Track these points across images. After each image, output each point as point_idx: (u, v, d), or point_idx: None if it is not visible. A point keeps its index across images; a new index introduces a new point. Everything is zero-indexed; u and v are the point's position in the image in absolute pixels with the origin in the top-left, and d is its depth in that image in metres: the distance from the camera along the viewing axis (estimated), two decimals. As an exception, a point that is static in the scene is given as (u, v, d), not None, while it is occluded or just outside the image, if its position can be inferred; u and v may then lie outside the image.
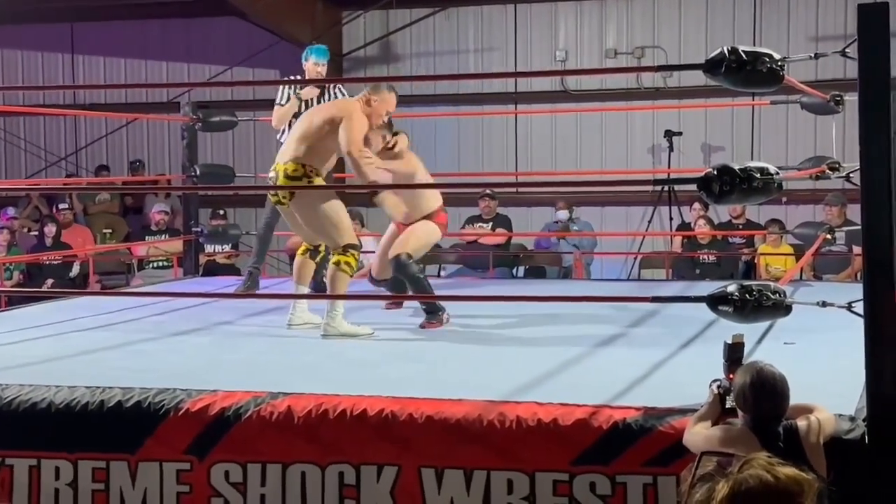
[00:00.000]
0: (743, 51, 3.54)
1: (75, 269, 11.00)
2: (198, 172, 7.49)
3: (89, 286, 10.54)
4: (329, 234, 5.51)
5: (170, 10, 13.52)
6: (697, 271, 10.38)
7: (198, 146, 7.80)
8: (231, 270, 10.47)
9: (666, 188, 11.82)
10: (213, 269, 10.00)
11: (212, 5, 12.86)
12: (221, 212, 11.55)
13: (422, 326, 5.61)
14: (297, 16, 12.88)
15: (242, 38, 13.52)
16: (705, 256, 10.47)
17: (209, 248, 10.26)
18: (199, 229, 7.93)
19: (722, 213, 11.15)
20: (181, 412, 3.81)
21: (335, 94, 6.88)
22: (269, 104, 14.57)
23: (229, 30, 13.54)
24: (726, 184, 3.53)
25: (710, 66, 3.58)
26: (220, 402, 3.81)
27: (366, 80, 15.36)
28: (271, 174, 5.64)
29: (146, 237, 11.29)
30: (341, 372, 4.53)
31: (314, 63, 6.85)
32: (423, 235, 5.93)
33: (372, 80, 14.58)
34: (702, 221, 10.53)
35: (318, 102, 6.65)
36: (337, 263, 5.45)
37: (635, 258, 11.59)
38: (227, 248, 10.74)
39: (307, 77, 6.91)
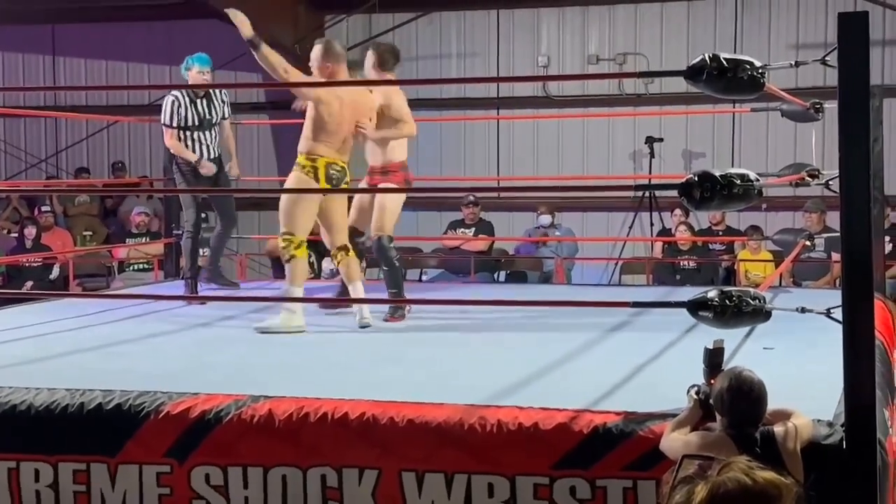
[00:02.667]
0: (724, 58, 3.56)
1: (55, 272, 10.96)
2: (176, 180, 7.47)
3: (69, 288, 10.50)
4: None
5: (151, 13, 13.49)
6: (678, 277, 10.43)
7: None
8: (212, 273, 10.42)
9: (647, 194, 11.87)
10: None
11: (194, 8, 12.83)
12: (203, 215, 11.51)
13: (385, 320, 5.87)
14: (280, 20, 12.87)
15: (224, 41, 13.41)
16: (686, 262, 10.52)
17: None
18: (179, 232, 7.91)
19: (702, 219, 11.20)
20: (161, 415, 3.80)
21: (222, 98, 7.19)
22: (251, 107, 14.66)
23: (211, 33, 13.49)
24: (707, 190, 3.55)
25: (692, 73, 3.60)
26: (201, 405, 3.81)
27: (348, 84, 15.37)
28: (337, 171, 6.00)
29: (126, 239, 11.26)
30: (323, 375, 4.53)
31: (199, 71, 6.98)
32: (395, 208, 6.32)
33: (352, 83, 14.57)
34: (682, 227, 10.58)
35: (207, 108, 7.02)
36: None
37: (616, 264, 11.63)
38: (207, 250, 10.70)
39: (192, 81, 6.99)
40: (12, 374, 4.34)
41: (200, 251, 7.31)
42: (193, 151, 6.99)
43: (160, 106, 7.13)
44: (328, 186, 5.85)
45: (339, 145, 5.97)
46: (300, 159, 5.94)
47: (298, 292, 5.83)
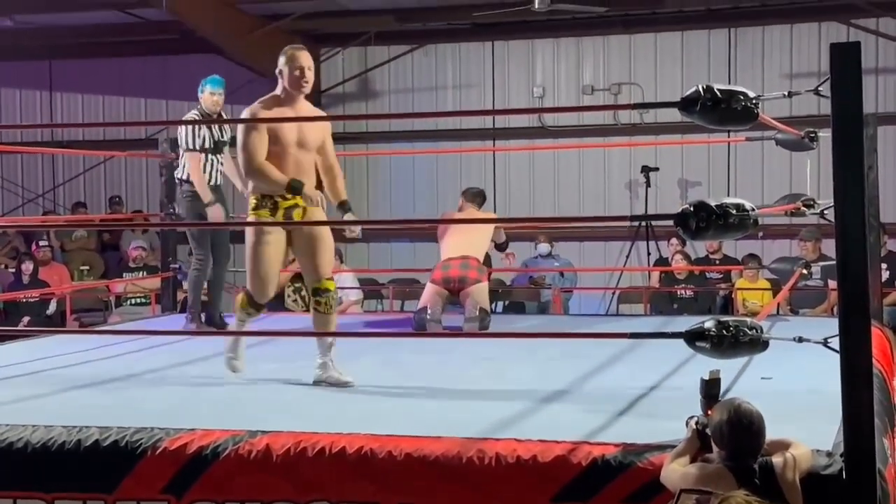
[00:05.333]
0: (718, 89, 3.57)
1: (52, 307, 10.94)
2: (176, 209, 7.47)
3: (67, 323, 10.48)
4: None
5: (147, 48, 13.57)
6: (675, 306, 10.43)
7: (175, 183, 7.76)
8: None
9: (643, 223, 11.89)
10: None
11: (189, 42, 12.91)
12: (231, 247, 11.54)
13: None
14: (275, 52, 12.71)
15: (221, 74, 13.52)
16: (683, 291, 10.52)
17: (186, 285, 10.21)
18: (177, 266, 7.91)
19: (699, 248, 11.22)
20: (158, 451, 3.78)
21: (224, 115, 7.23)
22: (247, 141, 14.54)
23: (207, 67, 13.50)
24: (703, 220, 3.55)
25: (686, 105, 3.61)
26: (198, 441, 3.79)
27: (345, 119, 15.44)
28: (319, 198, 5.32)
29: (124, 274, 11.25)
30: (320, 409, 4.52)
31: (210, 93, 6.92)
32: None
33: (350, 118, 14.68)
34: (679, 256, 10.59)
35: (220, 130, 6.95)
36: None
37: (613, 293, 11.63)
38: (204, 284, 10.68)
39: (204, 107, 6.94)
40: (9, 412, 4.32)
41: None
42: (206, 175, 6.85)
43: (157, 140, 7.09)
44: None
45: None
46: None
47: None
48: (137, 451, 3.80)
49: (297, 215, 5.11)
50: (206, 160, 6.87)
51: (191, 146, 6.84)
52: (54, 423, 4.00)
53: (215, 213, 6.83)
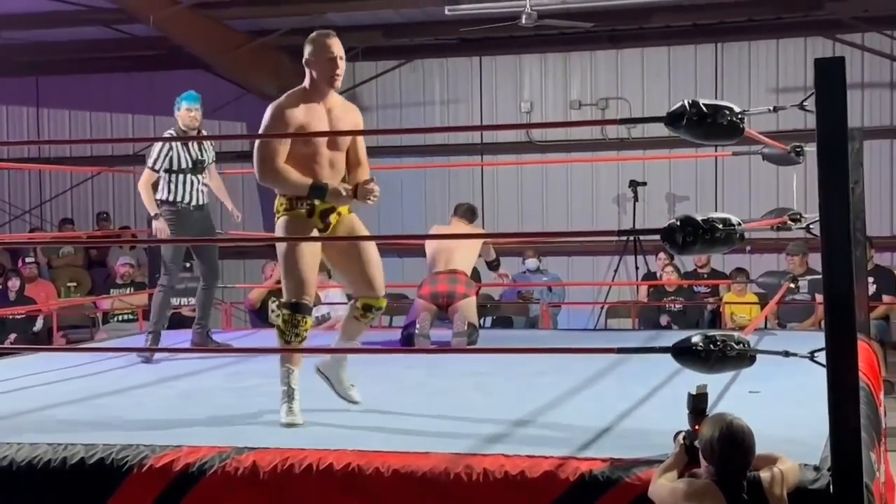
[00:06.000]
0: (704, 104, 3.58)
1: (39, 324, 10.90)
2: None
3: (53, 340, 10.44)
4: None
5: (135, 64, 13.57)
6: (663, 320, 10.43)
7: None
8: (196, 323, 10.39)
9: (631, 238, 11.91)
10: (178, 322, 9.93)
11: (177, 58, 12.91)
12: (188, 264, 11.48)
13: None
14: (263, 68, 12.93)
15: (208, 90, 13.47)
16: (671, 305, 10.53)
17: (175, 301, 10.19)
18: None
19: (687, 262, 11.24)
20: (145, 468, 3.77)
21: (203, 132, 7.04)
22: (235, 156, 14.67)
23: (195, 82, 13.51)
24: (689, 234, 3.55)
25: (672, 119, 3.61)
26: (185, 458, 3.78)
27: (332, 134, 15.42)
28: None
29: (111, 290, 11.21)
30: (307, 425, 4.50)
31: (187, 109, 6.78)
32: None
33: (337, 133, 14.61)
34: (670, 268, 10.60)
35: (199, 149, 6.80)
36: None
37: (602, 308, 11.64)
38: (192, 300, 10.66)
39: (181, 124, 6.78)
40: (-6, 429, 4.30)
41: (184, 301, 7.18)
42: (184, 195, 6.74)
43: (144, 156, 6.99)
44: None
45: None
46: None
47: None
48: (123, 469, 3.79)
49: (333, 219, 4.72)
50: (185, 180, 6.74)
51: (149, 164, 6.75)
52: (39, 440, 3.99)
53: (159, 228, 6.69)
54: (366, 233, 4.92)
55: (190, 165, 6.77)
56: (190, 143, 6.74)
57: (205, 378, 5.89)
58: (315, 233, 4.68)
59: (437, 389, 5.39)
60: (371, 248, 4.77)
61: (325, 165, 4.68)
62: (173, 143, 6.74)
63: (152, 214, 6.77)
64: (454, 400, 5.10)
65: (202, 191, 6.88)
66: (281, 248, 4.67)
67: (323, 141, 4.66)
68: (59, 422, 4.59)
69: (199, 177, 6.83)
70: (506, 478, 3.55)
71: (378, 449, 3.78)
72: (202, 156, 6.85)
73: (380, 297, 4.81)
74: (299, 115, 4.68)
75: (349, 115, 4.84)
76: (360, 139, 4.83)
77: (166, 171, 6.72)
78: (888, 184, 12.34)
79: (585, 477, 3.50)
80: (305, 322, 4.66)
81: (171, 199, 6.77)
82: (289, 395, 4.57)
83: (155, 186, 6.87)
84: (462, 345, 6.88)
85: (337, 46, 4.78)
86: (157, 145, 6.81)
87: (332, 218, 4.72)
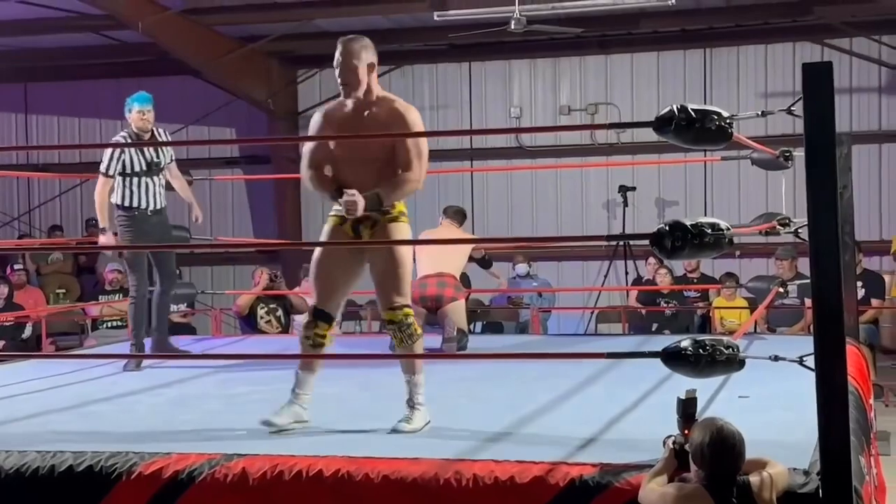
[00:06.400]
0: (692, 109, 3.59)
1: (28, 331, 10.86)
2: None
3: (42, 347, 10.40)
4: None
5: (123, 70, 13.55)
6: (654, 325, 10.45)
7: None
8: (186, 329, 10.38)
9: (621, 243, 11.92)
10: (170, 329, 9.90)
11: (166, 64, 12.89)
12: (177, 271, 11.46)
13: None
14: (252, 74, 12.93)
15: (197, 96, 13.56)
16: (661, 311, 10.55)
17: (164, 308, 10.17)
18: (153, 288, 7.85)
19: (677, 267, 11.26)
20: (134, 475, 3.76)
21: (159, 132, 6.74)
22: (225, 162, 14.64)
23: (184, 88, 13.57)
24: (678, 239, 3.56)
25: (660, 124, 3.62)
26: (174, 465, 3.77)
27: (322, 139, 15.41)
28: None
29: (100, 297, 11.18)
30: (296, 432, 4.49)
31: (139, 111, 6.53)
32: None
33: (327, 138, 14.59)
34: (663, 271, 10.60)
35: (155, 151, 6.54)
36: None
37: (592, 313, 11.65)
38: (182, 307, 10.65)
39: (134, 126, 6.55)
40: (-18, 437, 4.28)
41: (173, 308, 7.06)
42: (140, 199, 6.50)
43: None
44: None
45: None
46: (401, 207, 4.68)
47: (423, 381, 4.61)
48: (112, 476, 3.77)
49: (365, 230, 4.56)
50: (140, 183, 6.50)
51: (102, 169, 6.53)
52: (28, 448, 3.98)
53: (105, 241, 6.57)
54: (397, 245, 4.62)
55: (144, 168, 6.53)
56: (143, 147, 6.52)
57: (194, 385, 5.87)
58: (344, 235, 4.58)
59: (427, 395, 5.36)
60: (381, 261, 4.53)
61: (346, 170, 4.56)
62: (126, 149, 6.48)
63: (99, 227, 6.60)
64: (444, 406, 5.08)
65: (159, 194, 6.65)
66: (314, 253, 4.63)
67: (343, 145, 4.57)
68: (48, 429, 4.57)
69: (156, 179, 6.60)
70: (496, 483, 3.55)
71: (368, 455, 3.77)
72: (157, 158, 6.60)
73: (385, 309, 4.58)
74: (320, 119, 4.70)
75: (382, 117, 4.63)
76: (403, 152, 4.59)
77: (121, 174, 6.49)
78: (876, 188, 12.38)
79: (575, 482, 3.50)
80: (318, 326, 4.55)
81: (125, 203, 6.54)
82: (410, 404, 4.48)
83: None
84: (452, 350, 6.87)
85: (336, 52, 4.66)
86: (106, 151, 6.61)
87: (364, 229, 4.56)
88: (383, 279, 4.53)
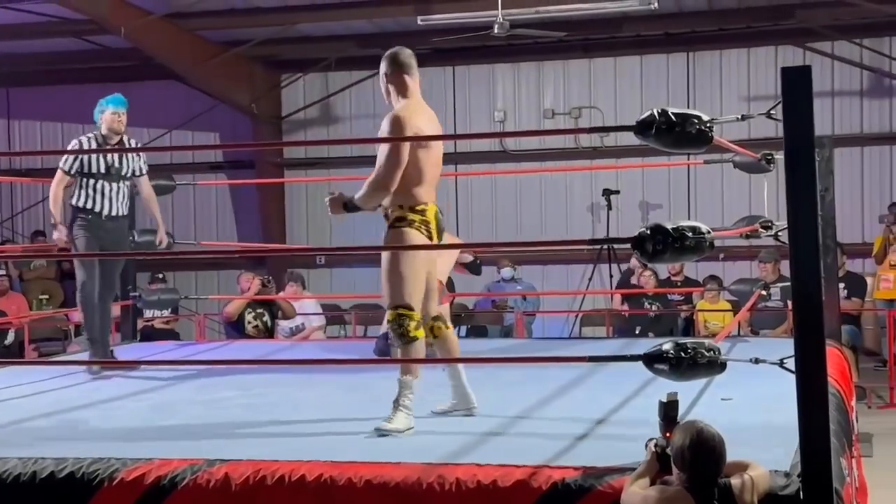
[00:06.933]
0: (673, 113, 3.60)
1: (10, 337, 10.82)
2: (136, 237, 7.37)
3: (25, 353, 10.36)
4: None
5: (107, 75, 13.51)
6: (637, 328, 10.47)
7: (136, 211, 7.70)
8: (169, 335, 10.36)
9: (605, 246, 11.94)
10: (151, 335, 9.90)
11: (150, 69, 12.86)
12: (161, 275, 11.46)
13: None
14: (236, 79, 12.91)
15: (181, 101, 13.53)
16: (645, 313, 10.57)
17: (147, 313, 10.15)
18: (136, 294, 7.84)
19: (661, 270, 11.28)
20: (116, 482, 3.74)
21: (131, 142, 6.72)
22: (209, 167, 14.60)
23: (168, 93, 13.54)
24: (659, 243, 3.58)
25: (641, 128, 3.63)
26: (156, 471, 3.75)
27: (306, 144, 15.44)
28: (441, 215, 4.91)
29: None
30: (279, 437, 4.48)
31: (112, 112, 6.47)
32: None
33: (311, 143, 14.61)
34: (648, 273, 10.62)
35: (118, 157, 6.44)
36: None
37: (577, 316, 11.66)
38: (166, 313, 10.63)
39: (106, 128, 6.48)
40: (-37, 444, 4.26)
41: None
42: (96, 202, 6.40)
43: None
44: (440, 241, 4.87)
45: (433, 183, 4.94)
46: (402, 213, 4.75)
47: (415, 384, 4.64)
48: (94, 482, 3.76)
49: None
50: (96, 185, 6.40)
51: (61, 164, 6.47)
52: (9, 454, 3.96)
53: (56, 239, 6.51)
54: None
55: (103, 171, 6.42)
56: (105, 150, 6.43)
57: (176, 390, 5.86)
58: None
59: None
60: (382, 263, 4.70)
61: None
62: (88, 146, 6.44)
63: (52, 222, 6.55)
64: (427, 410, 5.08)
65: (119, 200, 6.49)
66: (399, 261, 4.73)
67: None
68: (30, 435, 4.55)
69: (114, 185, 6.45)
70: (478, 487, 3.55)
71: (351, 460, 3.76)
72: (118, 164, 6.45)
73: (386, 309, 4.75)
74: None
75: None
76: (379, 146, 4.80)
77: (79, 173, 6.40)
78: (858, 191, 12.44)
79: (558, 485, 3.50)
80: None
81: (80, 204, 6.45)
82: (395, 404, 4.53)
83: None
84: (434, 354, 6.86)
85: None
86: (72, 147, 6.54)
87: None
88: (383, 281, 4.69)
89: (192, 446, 4.16)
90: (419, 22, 10.90)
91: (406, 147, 4.70)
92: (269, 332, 9.46)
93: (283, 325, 9.72)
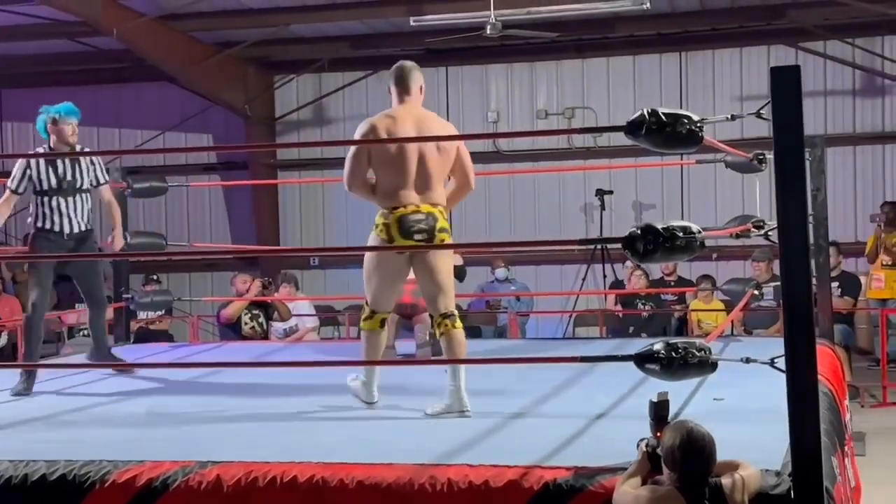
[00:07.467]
0: (663, 113, 3.61)
1: (3, 339, 10.81)
2: (129, 239, 7.35)
3: (18, 356, 10.34)
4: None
5: (100, 77, 13.50)
6: (631, 328, 10.48)
7: (128, 212, 7.70)
8: (163, 336, 10.36)
9: (598, 247, 11.94)
10: (144, 336, 9.89)
11: (143, 71, 12.85)
12: (154, 277, 11.44)
13: None
14: (229, 80, 12.90)
15: (174, 103, 13.52)
16: (638, 313, 10.58)
17: (141, 315, 10.15)
18: (129, 296, 7.83)
19: (654, 269, 11.30)
20: (107, 484, 3.74)
21: (91, 160, 6.23)
22: (203, 168, 14.59)
23: (161, 95, 13.54)
24: (650, 243, 3.58)
25: (632, 128, 3.64)
26: (148, 473, 3.75)
27: (299, 146, 15.43)
28: (420, 216, 5.01)
29: (76, 305, 11.12)
30: (271, 438, 4.49)
31: (71, 124, 6.06)
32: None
33: (304, 145, 14.62)
34: (638, 272, 10.64)
35: (71, 170, 6.02)
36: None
37: (570, 316, 11.67)
38: (159, 314, 10.62)
39: (56, 140, 6.04)
40: (-46, 447, 4.25)
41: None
42: (52, 222, 5.98)
43: (108, 169, 6.38)
44: (407, 242, 4.97)
45: (421, 186, 5.00)
46: (378, 217, 5.03)
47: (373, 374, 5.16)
48: (86, 485, 3.75)
49: None
50: (51, 202, 5.97)
51: (9, 184, 5.97)
52: (0, 457, 3.95)
53: None
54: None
55: (55, 186, 5.96)
56: (58, 162, 5.97)
57: (168, 392, 5.85)
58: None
59: (402, 400, 5.37)
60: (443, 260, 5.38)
61: None
62: (32, 162, 5.95)
63: None
64: (419, 411, 5.09)
65: (78, 216, 6.08)
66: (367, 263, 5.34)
67: None
68: (21, 437, 4.55)
69: (70, 200, 6.02)
70: (470, 487, 3.55)
71: (342, 461, 3.76)
72: (72, 177, 6.01)
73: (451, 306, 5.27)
74: None
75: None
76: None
77: (35, 192, 5.96)
78: (851, 190, 12.46)
79: (549, 486, 3.51)
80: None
81: (39, 224, 6.02)
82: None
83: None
84: (427, 356, 6.87)
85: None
86: (19, 163, 6.02)
87: None
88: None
89: (183, 448, 4.16)
90: (412, 23, 10.90)
91: (363, 152, 5.00)
92: (264, 333, 9.49)
93: (277, 326, 9.72)
